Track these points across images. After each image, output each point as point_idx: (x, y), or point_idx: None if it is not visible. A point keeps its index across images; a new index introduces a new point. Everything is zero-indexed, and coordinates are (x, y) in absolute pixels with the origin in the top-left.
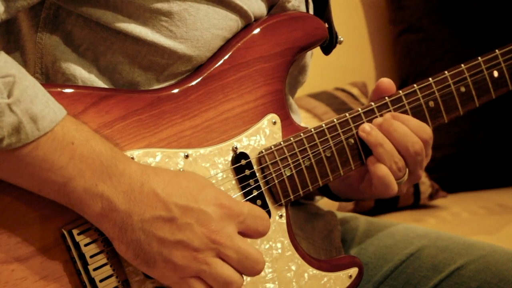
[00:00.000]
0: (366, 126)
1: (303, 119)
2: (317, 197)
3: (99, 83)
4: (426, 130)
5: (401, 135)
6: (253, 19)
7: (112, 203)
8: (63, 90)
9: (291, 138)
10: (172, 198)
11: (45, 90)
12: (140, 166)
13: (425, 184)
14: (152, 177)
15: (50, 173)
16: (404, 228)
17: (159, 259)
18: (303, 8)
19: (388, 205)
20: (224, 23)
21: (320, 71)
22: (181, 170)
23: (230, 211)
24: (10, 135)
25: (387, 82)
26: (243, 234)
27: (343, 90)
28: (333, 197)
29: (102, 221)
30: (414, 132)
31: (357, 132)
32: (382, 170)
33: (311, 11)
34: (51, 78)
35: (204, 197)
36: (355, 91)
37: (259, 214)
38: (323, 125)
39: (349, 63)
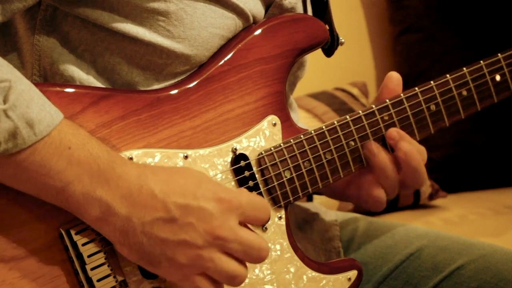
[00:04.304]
0: (374, 147)
1: (303, 119)
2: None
3: (98, 84)
4: (423, 152)
5: (417, 164)
6: (251, 17)
7: (111, 208)
8: (62, 90)
9: (291, 140)
10: (170, 197)
11: (41, 93)
12: (138, 168)
13: (425, 184)
14: (150, 178)
15: (48, 178)
16: (404, 228)
17: (163, 259)
18: (300, 7)
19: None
20: (221, 21)
21: (320, 71)
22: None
23: (229, 204)
24: (7, 140)
25: (395, 77)
26: (244, 224)
27: (343, 90)
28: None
29: (102, 226)
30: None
31: (358, 137)
32: (380, 194)
33: (309, 11)
34: (49, 80)
35: (203, 194)
36: (355, 91)
37: (258, 202)
38: (324, 127)
39: (349, 63)
